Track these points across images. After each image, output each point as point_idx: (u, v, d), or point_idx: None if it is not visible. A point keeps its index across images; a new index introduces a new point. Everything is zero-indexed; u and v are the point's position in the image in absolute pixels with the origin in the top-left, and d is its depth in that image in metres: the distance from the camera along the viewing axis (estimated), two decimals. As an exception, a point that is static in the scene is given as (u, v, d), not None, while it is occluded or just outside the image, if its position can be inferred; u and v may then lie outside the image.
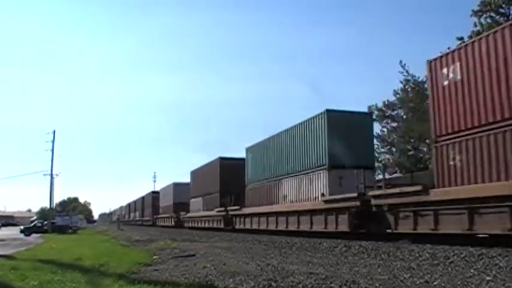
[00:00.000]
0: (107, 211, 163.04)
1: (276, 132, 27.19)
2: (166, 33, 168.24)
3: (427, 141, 29.90)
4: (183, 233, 33.95)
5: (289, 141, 24.99)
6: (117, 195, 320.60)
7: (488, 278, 7.77)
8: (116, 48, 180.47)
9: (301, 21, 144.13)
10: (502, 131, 12.51)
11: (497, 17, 30.12)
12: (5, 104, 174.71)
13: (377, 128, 42.21)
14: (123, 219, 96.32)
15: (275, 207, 25.40)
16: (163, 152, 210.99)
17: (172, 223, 51.67)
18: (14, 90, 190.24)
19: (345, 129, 21.09)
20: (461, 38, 31.11)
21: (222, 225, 33.76)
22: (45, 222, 50.83)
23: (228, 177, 34.79)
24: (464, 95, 13.84)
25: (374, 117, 41.72)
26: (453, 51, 14.95)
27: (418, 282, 7.58)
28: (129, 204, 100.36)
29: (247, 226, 29.26)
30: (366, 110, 42.57)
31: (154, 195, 67.58)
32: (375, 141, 41.19)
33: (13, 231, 48.86)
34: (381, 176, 22.85)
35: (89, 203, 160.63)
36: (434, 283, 7.49)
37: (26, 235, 40.94)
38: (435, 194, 14.12)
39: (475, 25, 30.82)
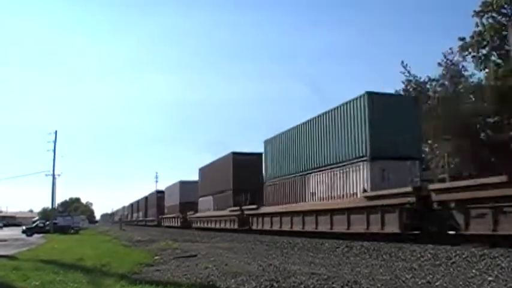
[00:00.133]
0: (109, 211, 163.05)
1: (302, 122, 24.36)
2: (166, 33, 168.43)
3: (429, 141, 29.85)
4: (185, 233, 33.92)
5: (319, 130, 22.20)
6: (119, 195, 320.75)
7: (490, 278, 7.76)
8: (116, 48, 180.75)
9: (301, 21, 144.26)
10: None
11: (499, 17, 30.07)
12: (6, 104, 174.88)
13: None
14: (125, 219, 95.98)
15: (301, 206, 22.88)
16: (165, 152, 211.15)
17: (179, 223, 49.79)
18: (15, 91, 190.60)
19: (389, 114, 18.49)
20: (463, 39, 31.11)
21: (236, 226, 31.49)
22: (47, 223, 50.89)
23: (241, 174, 32.58)
24: None
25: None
26: None
27: (420, 283, 7.57)
28: (131, 204, 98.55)
29: (267, 227, 27.04)
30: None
31: (159, 194, 65.45)
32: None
33: (15, 232, 48.94)
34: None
35: (91, 204, 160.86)
36: (436, 283, 7.48)
37: (27, 235, 41.02)
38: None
39: (477, 25, 30.79)
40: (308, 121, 23.48)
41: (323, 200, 21.12)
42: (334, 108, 20.84)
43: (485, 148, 27.97)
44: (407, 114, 18.97)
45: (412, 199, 15.20)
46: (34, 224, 51.64)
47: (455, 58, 32.01)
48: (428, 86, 34.21)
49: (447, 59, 32.28)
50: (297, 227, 22.91)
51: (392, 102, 19.56)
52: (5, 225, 78.23)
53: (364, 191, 17.98)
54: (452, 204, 14.01)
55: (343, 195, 19.63)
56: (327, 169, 21.08)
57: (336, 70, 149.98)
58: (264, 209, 27.48)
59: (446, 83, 33.04)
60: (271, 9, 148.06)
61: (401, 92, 37.21)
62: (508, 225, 12.07)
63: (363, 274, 8.69)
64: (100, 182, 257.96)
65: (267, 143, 29.17)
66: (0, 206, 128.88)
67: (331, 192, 20.66)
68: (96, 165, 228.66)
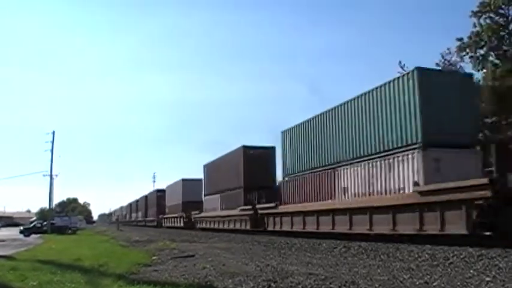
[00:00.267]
0: (107, 212, 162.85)
1: (330, 107, 21.41)
2: (166, 33, 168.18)
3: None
4: (183, 233, 33.85)
5: (353, 116, 19.34)
6: (117, 195, 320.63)
7: (487, 278, 7.78)
8: (115, 48, 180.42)
9: (301, 21, 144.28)
10: None
11: (497, 17, 30.15)
12: (4, 104, 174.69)
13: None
14: (124, 219, 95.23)
15: (331, 204, 20.09)
16: (163, 152, 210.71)
17: (182, 224, 47.05)
18: (14, 90, 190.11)
19: (443, 93, 15.99)
20: (460, 39, 31.16)
21: (248, 227, 28.80)
22: (45, 223, 50.79)
23: (253, 169, 30.12)
24: None
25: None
26: None
27: (417, 283, 7.58)
28: (130, 204, 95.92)
29: (286, 227, 24.28)
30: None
31: (159, 193, 62.62)
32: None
33: (13, 232, 48.80)
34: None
35: (88, 204, 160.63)
36: (434, 284, 7.49)
37: (25, 236, 40.88)
38: None
39: (475, 26, 30.85)
40: (338, 106, 20.62)
41: (359, 196, 18.44)
42: (374, 89, 18.11)
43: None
44: (464, 93, 16.44)
45: (485, 193, 12.47)
46: (32, 225, 51.52)
47: (453, 58, 32.06)
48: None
49: (445, 60, 32.33)
50: (325, 228, 20.23)
51: (448, 80, 16.84)
52: (3, 226, 78.02)
53: (416, 184, 15.23)
54: None
55: (385, 190, 16.95)
56: (364, 161, 18.32)
57: (336, 70, 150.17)
58: (283, 208, 24.72)
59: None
60: (271, 9, 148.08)
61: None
62: None
63: (361, 274, 8.70)
64: (98, 183, 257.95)
65: (285, 133, 26.19)
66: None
67: (369, 188, 17.88)
68: (94, 165, 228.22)
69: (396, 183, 16.48)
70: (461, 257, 10.67)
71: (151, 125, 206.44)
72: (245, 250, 16.22)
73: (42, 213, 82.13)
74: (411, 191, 15.48)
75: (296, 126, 25.00)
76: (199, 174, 46.29)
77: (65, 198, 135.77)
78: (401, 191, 16.17)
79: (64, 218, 55.72)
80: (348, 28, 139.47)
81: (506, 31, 29.79)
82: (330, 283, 7.55)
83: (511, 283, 7.33)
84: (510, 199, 12.32)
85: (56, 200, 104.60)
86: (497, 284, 7.35)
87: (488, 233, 12.88)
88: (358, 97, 19.22)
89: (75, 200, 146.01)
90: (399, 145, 16.54)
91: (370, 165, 17.90)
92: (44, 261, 13.18)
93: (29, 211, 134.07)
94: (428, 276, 8.20)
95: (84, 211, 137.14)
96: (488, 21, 30.32)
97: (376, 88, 18.02)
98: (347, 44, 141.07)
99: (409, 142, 16.04)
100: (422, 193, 14.80)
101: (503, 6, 29.92)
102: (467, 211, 13.04)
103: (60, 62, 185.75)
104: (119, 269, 11.04)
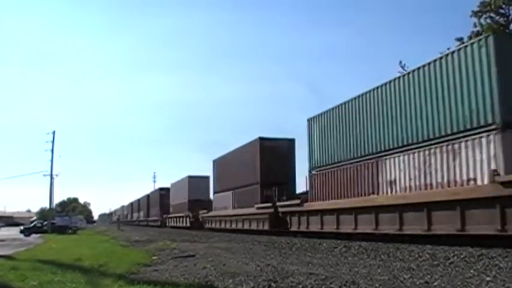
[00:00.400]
0: (107, 211, 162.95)
1: (371, 87, 18.46)
2: (165, 34, 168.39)
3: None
4: (183, 233, 33.80)
5: (404, 95, 16.36)
6: (117, 195, 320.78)
7: (488, 278, 7.77)
8: (115, 48, 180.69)
9: (300, 21, 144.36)
10: None
11: (497, 17, 30.15)
12: (5, 104, 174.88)
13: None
14: (125, 219, 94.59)
15: (373, 200, 17.13)
16: (163, 152, 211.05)
17: (188, 224, 44.36)
18: (14, 91, 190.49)
19: None
20: (460, 39, 31.14)
21: (266, 227, 26.03)
22: (45, 223, 50.84)
23: (271, 164, 27.49)
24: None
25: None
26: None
27: (418, 283, 7.57)
28: (131, 204, 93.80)
29: (314, 227, 21.09)
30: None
31: (163, 192, 60.57)
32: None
33: (13, 232, 48.84)
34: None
35: (89, 204, 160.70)
36: (434, 284, 7.48)
37: (25, 235, 40.93)
38: None
39: (475, 25, 30.85)
40: (382, 85, 17.70)
41: (411, 190, 15.60)
42: (431, 62, 15.30)
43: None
44: None
45: None
46: (32, 224, 51.56)
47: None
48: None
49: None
50: (365, 228, 17.51)
51: None
52: (3, 226, 78.04)
53: (495, 174, 12.42)
54: None
55: (447, 182, 14.17)
56: (418, 148, 15.50)
57: (335, 70, 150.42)
58: (311, 205, 21.60)
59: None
60: (271, 10, 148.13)
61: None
62: None
63: (361, 274, 8.70)
64: (98, 182, 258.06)
65: (312, 121, 22.81)
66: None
67: (425, 180, 15.06)
68: (94, 165, 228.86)
69: (463, 173, 13.60)
70: (462, 256, 10.66)
71: (151, 125, 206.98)
72: (245, 250, 16.22)
73: (43, 213, 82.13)
74: (486, 181, 12.71)
75: (326, 112, 21.62)
76: (200, 174, 45.82)
77: (65, 198, 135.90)
78: (470, 182, 13.33)
79: (64, 218, 55.71)
80: (347, 28, 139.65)
81: (507, 31, 29.75)
82: (331, 283, 7.55)
83: (512, 283, 7.32)
84: None
85: (57, 200, 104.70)
86: (498, 283, 7.34)
87: None
88: (410, 72, 16.46)
89: (75, 200, 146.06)
90: (467, 127, 13.63)
91: (427, 152, 15.07)
92: (44, 261, 13.18)
93: (29, 211, 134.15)
94: (429, 276, 8.19)
95: (84, 211, 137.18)
96: (488, 21, 30.33)
97: (435, 60, 15.12)
98: (347, 45, 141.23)
99: (482, 123, 13.17)
100: (505, 184, 11.98)
101: (503, 6, 29.92)
102: None
103: (60, 63, 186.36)
104: (119, 269, 11.05)
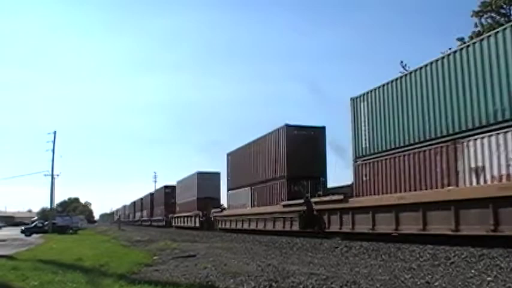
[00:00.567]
0: (108, 211, 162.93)
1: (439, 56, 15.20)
2: (166, 34, 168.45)
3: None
4: (183, 233, 33.78)
5: (497, 60, 12.68)
6: (118, 195, 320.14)
7: (489, 278, 7.76)
8: (116, 48, 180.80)
9: (299, 22, 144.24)
10: None
11: (498, 17, 30.13)
12: (6, 105, 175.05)
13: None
14: (127, 219, 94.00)
15: (450, 193, 13.65)
16: (163, 152, 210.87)
17: (197, 224, 40.89)
18: (15, 91, 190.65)
19: None
20: (461, 39, 31.14)
21: (296, 227, 22.57)
22: (46, 223, 50.85)
23: (300, 155, 24.21)
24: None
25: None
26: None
27: (419, 283, 7.57)
28: (134, 203, 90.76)
29: (362, 227, 17.55)
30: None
31: (168, 190, 57.24)
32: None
33: (14, 232, 48.87)
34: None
35: (90, 203, 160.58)
36: (435, 284, 7.47)
37: (26, 235, 40.96)
38: None
39: (476, 25, 30.84)
40: (458, 51, 14.47)
41: (506, 179, 12.18)
42: None
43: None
44: None
45: None
46: (33, 224, 51.61)
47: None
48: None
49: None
50: (439, 228, 13.99)
51: None
52: (4, 226, 78.11)
53: None
54: None
55: None
56: None
57: (335, 70, 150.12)
58: (358, 201, 18.00)
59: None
60: (271, 10, 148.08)
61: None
62: None
63: (362, 274, 8.69)
64: (99, 182, 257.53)
65: (356, 101, 19.17)
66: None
67: None
68: (95, 165, 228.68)
69: None
70: (463, 256, 10.66)
71: (151, 124, 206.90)
72: (246, 250, 16.22)
73: (44, 213, 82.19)
74: None
75: (378, 88, 17.98)
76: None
77: (66, 198, 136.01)
78: None
79: (65, 218, 55.74)
80: (346, 28, 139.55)
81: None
82: (331, 283, 7.55)
83: (513, 283, 7.31)
84: None
85: (57, 200, 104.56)
86: (499, 283, 7.33)
87: None
88: (500, 31, 12.83)
89: (76, 200, 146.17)
90: None
91: None
92: (45, 261, 13.19)
93: (30, 211, 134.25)
94: (430, 276, 8.18)
95: (85, 211, 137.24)
96: (489, 20, 30.31)
97: None
98: (347, 45, 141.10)
99: None
100: None
101: (504, 6, 29.90)
102: None
103: (61, 63, 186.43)
104: (120, 268, 11.05)
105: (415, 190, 15.29)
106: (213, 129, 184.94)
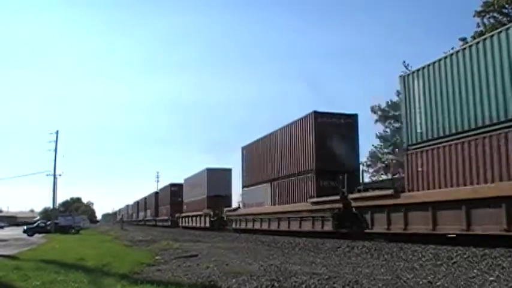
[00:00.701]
0: (110, 211, 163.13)
1: None
2: (167, 34, 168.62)
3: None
4: (185, 233, 33.78)
5: None
6: (121, 195, 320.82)
7: (491, 278, 7.75)
8: (119, 48, 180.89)
9: (300, 21, 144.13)
10: None
11: (500, 17, 30.06)
12: (7, 105, 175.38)
13: (380, 128, 42.01)
14: (130, 219, 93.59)
15: None
16: (166, 152, 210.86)
17: (207, 224, 38.64)
18: (18, 90, 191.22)
19: None
20: (464, 39, 31.08)
21: (329, 227, 19.95)
22: (48, 223, 50.89)
23: (330, 146, 21.58)
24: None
25: (377, 117, 41.65)
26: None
27: (421, 283, 7.56)
28: (137, 202, 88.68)
29: (420, 227, 14.74)
30: (367, 111, 42.28)
31: (174, 188, 54.82)
32: (378, 141, 40.98)
33: (16, 232, 48.94)
34: (384, 177, 19.97)
35: (92, 203, 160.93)
36: (437, 283, 7.46)
37: (28, 235, 41.02)
38: None
39: (478, 25, 30.78)
40: None
41: None
42: None
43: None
44: None
45: None
46: (35, 224, 51.68)
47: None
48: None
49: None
50: None
51: None
52: (7, 226, 78.27)
53: None
54: None
55: None
56: None
57: (336, 70, 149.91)
58: (413, 197, 15.13)
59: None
60: (271, 10, 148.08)
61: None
62: None
63: (364, 274, 8.68)
64: (101, 182, 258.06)
65: (410, 78, 16.19)
66: (1, 206, 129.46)
67: None
68: (97, 165, 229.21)
69: None
70: (465, 256, 10.64)
71: (154, 124, 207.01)
72: (248, 250, 16.22)
73: (46, 213, 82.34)
74: None
75: (437, 61, 15.06)
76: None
77: (68, 198, 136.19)
78: None
79: (67, 218, 55.73)
80: (346, 28, 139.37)
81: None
82: (334, 283, 7.55)
83: (515, 283, 7.30)
84: None
85: (60, 200, 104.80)
86: (501, 283, 7.33)
87: None
88: None
89: (78, 200, 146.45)
90: None
91: None
92: (47, 260, 13.20)
93: (32, 211, 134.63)
94: (432, 276, 8.17)
95: (87, 210, 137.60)
96: (492, 20, 30.24)
97: None
98: (347, 45, 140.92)
99: None
100: None
101: (506, 6, 29.83)
102: None
103: (64, 62, 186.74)
104: (122, 268, 11.05)
105: (492, 182, 12.44)
106: (216, 129, 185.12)
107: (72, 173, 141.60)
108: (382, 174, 37.02)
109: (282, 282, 7.88)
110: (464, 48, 14.37)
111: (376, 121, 41.97)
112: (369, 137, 50.40)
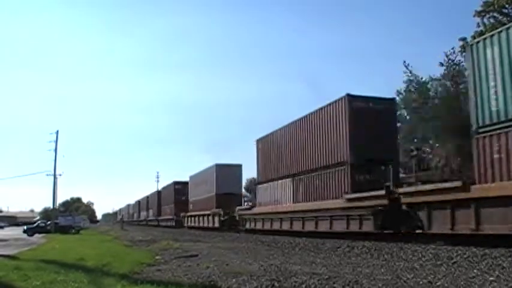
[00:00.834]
0: (110, 211, 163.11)
1: None
2: (167, 34, 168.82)
3: (430, 141, 29.89)
4: (186, 233, 33.74)
5: None
6: (121, 195, 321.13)
7: (491, 278, 7.75)
8: (119, 48, 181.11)
9: (301, 22, 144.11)
10: None
11: (501, 17, 30.03)
12: (7, 104, 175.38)
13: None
14: (131, 219, 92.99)
15: None
16: (166, 152, 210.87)
17: (216, 224, 36.35)
18: (18, 90, 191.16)
19: None
20: (464, 39, 31.07)
21: (369, 227, 17.36)
22: (48, 223, 50.88)
23: (366, 134, 18.98)
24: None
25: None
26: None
27: (421, 283, 7.55)
28: (139, 202, 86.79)
29: (498, 226, 12.02)
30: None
31: (178, 186, 52.53)
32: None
33: (16, 232, 48.93)
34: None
35: (92, 203, 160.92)
36: (437, 283, 7.46)
37: (28, 235, 41.01)
38: None
39: (478, 25, 30.75)
40: None
41: None
42: None
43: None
44: None
45: None
46: (35, 224, 51.66)
47: (457, 58, 31.99)
48: (429, 85, 34.25)
49: (449, 59, 32.29)
50: None
51: None
52: (7, 226, 78.25)
53: None
54: None
55: None
56: None
57: (335, 71, 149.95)
58: (489, 189, 12.36)
59: (448, 82, 33.04)
60: (271, 10, 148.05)
61: (403, 92, 36.93)
62: None
63: (364, 274, 8.68)
64: (101, 182, 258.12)
65: (480, 46, 13.35)
66: (1, 206, 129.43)
67: None
68: (98, 165, 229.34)
69: None
70: (465, 256, 10.64)
71: (154, 124, 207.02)
72: (248, 250, 16.21)
73: (46, 213, 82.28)
74: None
75: None
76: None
77: (68, 198, 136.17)
78: None
79: (68, 218, 55.74)
80: (345, 28, 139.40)
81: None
82: (334, 283, 7.55)
83: (515, 283, 7.29)
84: None
85: (60, 200, 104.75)
86: (501, 283, 7.33)
87: None
88: None
89: (78, 200, 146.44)
90: None
91: None
92: (47, 260, 13.18)
93: (32, 211, 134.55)
94: (432, 276, 8.17)
95: (87, 210, 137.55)
96: (492, 20, 30.22)
97: None
98: (347, 44, 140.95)
99: None
100: None
101: (506, 6, 29.81)
102: None
103: (64, 62, 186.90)
104: (122, 268, 11.04)
105: None
106: (216, 129, 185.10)
107: (72, 173, 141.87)
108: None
109: (282, 282, 7.87)
110: None
111: None
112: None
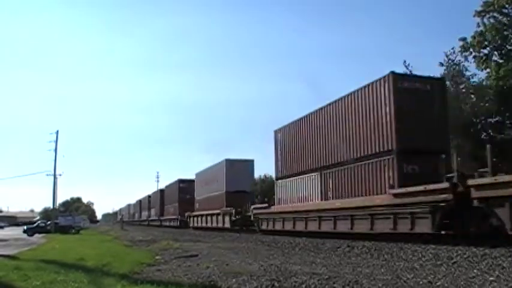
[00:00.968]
0: (110, 211, 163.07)
1: None
2: (168, 34, 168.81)
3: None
4: (186, 233, 33.70)
5: None
6: (121, 195, 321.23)
7: (491, 278, 7.75)
8: (119, 48, 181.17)
9: (301, 22, 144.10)
10: None
11: (501, 17, 30.03)
12: (7, 104, 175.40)
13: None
14: (132, 219, 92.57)
15: None
16: (166, 152, 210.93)
17: (226, 224, 33.45)
18: (18, 90, 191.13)
19: None
20: (464, 39, 31.06)
21: (426, 228, 14.42)
22: (48, 223, 50.87)
23: (415, 118, 16.71)
24: None
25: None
26: None
27: (421, 283, 7.55)
28: (140, 201, 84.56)
29: None
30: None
31: (183, 184, 49.76)
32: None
33: (16, 232, 48.91)
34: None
35: (92, 203, 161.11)
36: (437, 283, 7.46)
37: (28, 235, 41.01)
38: None
39: (478, 25, 30.75)
40: None
41: None
42: None
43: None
44: None
45: None
46: (35, 224, 51.66)
47: (457, 58, 31.97)
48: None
49: (449, 59, 32.26)
50: None
51: None
52: (7, 226, 78.24)
53: None
54: None
55: None
56: None
57: (335, 71, 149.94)
58: None
59: (448, 82, 33.04)
60: (272, 10, 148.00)
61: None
62: None
63: (364, 274, 8.68)
64: (101, 182, 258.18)
65: None
66: (1, 206, 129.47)
67: None
68: (98, 165, 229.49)
69: None
70: (465, 256, 10.64)
71: (154, 124, 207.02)
72: (249, 250, 16.20)
73: (46, 213, 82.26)
74: None
75: None
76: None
77: (68, 198, 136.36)
78: None
79: (68, 218, 55.75)
80: (346, 28, 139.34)
81: (510, 30, 29.64)
82: (334, 283, 7.54)
83: (515, 283, 7.29)
84: None
85: (60, 200, 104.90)
86: (501, 283, 7.33)
87: None
88: None
89: (78, 200, 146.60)
90: None
91: None
92: (47, 260, 13.18)
93: (32, 211, 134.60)
94: (432, 276, 8.17)
95: (87, 211, 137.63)
96: (492, 20, 30.21)
97: None
98: (346, 45, 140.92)
99: None
100: None
101: (506, 6, 29.80)
102: None
103: (64, 62, 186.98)
104: (122, 268, 11.04)
105: None
106: (216, 129, 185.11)
107: (72, 173, 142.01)
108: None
109: (282, 282, 7.87)
110: None
111: None
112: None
